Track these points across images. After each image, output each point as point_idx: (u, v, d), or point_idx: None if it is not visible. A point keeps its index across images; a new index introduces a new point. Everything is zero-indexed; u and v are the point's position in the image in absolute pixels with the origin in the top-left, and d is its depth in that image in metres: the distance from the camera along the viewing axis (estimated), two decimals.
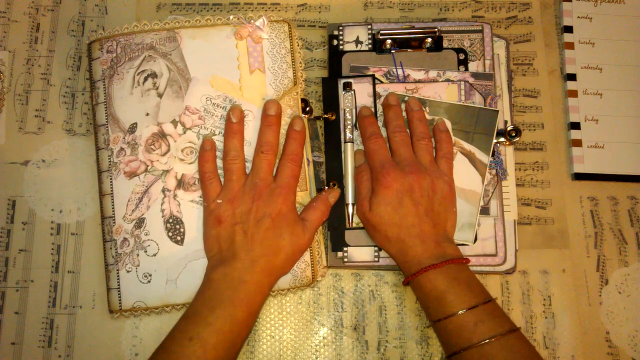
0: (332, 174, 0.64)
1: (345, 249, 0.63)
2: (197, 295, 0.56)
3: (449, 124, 0.64)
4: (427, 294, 0.56)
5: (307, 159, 0.63)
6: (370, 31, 0.67)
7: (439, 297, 0.55)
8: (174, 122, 0.62)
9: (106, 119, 0.63)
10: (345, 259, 0.63)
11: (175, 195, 0.61)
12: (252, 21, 0.63)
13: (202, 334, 0.53)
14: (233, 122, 0.61)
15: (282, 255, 0.58)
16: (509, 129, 0.64)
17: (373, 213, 0.59)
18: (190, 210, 0.61)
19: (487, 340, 0.52)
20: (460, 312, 0.53)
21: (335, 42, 0.67)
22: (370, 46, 0.67)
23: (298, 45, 0.64)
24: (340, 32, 0.67)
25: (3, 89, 0.69)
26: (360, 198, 0.61)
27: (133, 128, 0.62)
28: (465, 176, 0.63)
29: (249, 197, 0.58)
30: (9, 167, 0.67)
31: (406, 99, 0.64)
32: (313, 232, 0.60)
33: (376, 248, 0.63)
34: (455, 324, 0.53)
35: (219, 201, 0.59)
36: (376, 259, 0.63)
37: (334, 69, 0.67)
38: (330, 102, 0.66)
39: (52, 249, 0.65)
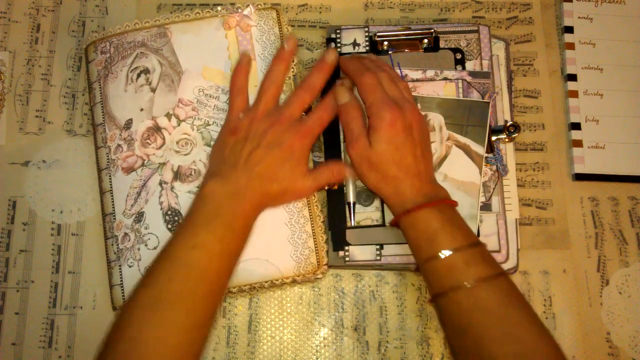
0: None
1: (346, 248, 0.63)
2: (193, 206, 0.56)
3: (442, 119, 0.64)
4: (420, 231, 0.55)
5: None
6: (367, 34, 0.67)
7: (431, 235, 0.54)
8: (168, 115, 0.63)
9: (103, 117, 0.63)
10: (347, 258, 0.62)
11: (172, 187, 0.61)
12: (239, 10, 0.64)
13: (205, 243, 0.52)
14: (284, 48, 0.61)
15: (276, 186, 0.57)
16: (507, 124, 0.64)
17: (374, 151, 0.56)
18: (188, 201, 0.60)
19: (477, 281, 0.51)
20: (451, 251, 0.53)
21: (333, 44, 0.68)
22: (367, 48, 0.67)
23: (287, 31, 0.65)
24: (338, 35, 0.68)
25: (3, 90, 0.69)
26: (354, 135, 0.57)
27: (129, 124, 0.63)
28: (463, 168, 0.63)
29: (269, 120, 0.58)
30: (9, 168, 0.67)
31: None
32: (314, 184, 0.59)
33: (377, 247, 0.62)
34: (446, 263, 0.53)
35: (241, 115, 0.60)
36: (378, 258, 0.63)
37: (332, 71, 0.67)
38: None
39: (53, 249, 0.65)
